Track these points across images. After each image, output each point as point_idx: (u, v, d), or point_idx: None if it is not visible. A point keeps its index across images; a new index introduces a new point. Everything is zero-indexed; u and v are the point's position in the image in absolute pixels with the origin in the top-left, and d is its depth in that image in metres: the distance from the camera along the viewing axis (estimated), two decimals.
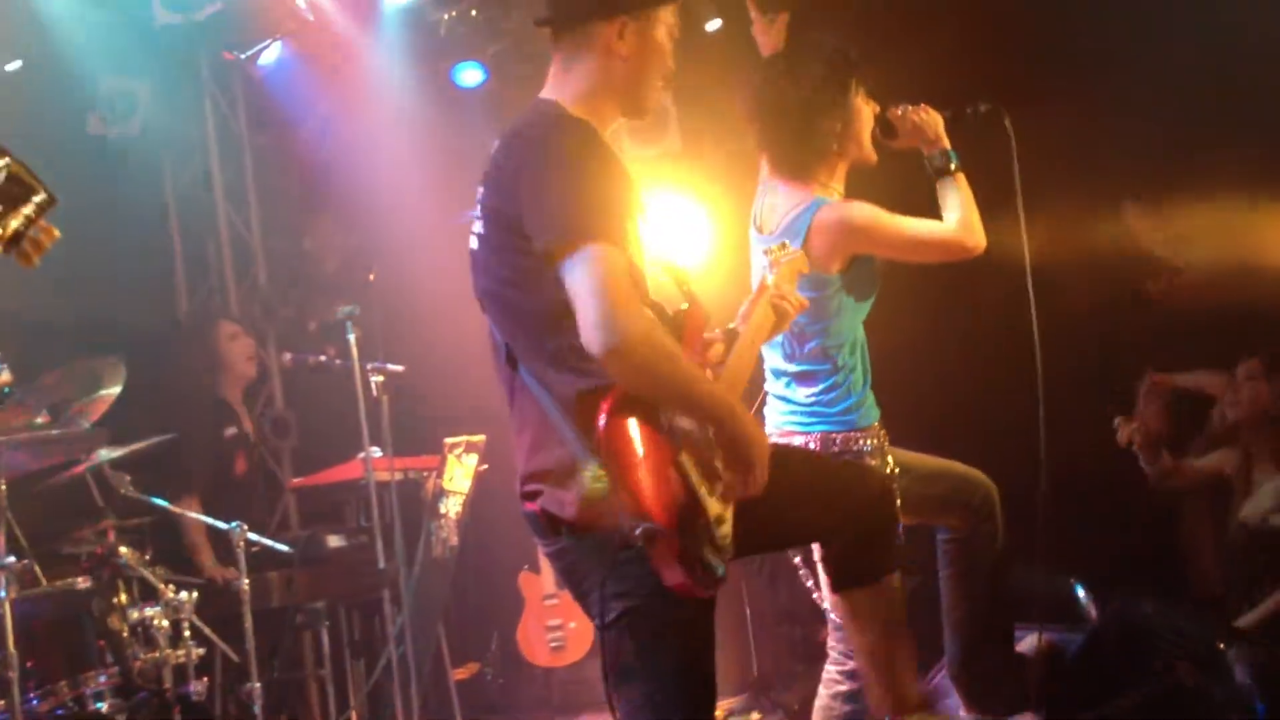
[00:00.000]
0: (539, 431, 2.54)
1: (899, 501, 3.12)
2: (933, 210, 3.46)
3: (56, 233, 2.50)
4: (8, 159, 2.43)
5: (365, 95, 6.97)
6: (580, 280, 2.37)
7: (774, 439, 3.31)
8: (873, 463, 3.33)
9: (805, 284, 3.33)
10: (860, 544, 2.93)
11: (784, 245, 3.15)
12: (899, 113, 3.45)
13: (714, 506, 2.54)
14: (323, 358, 5.78)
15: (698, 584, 2.42)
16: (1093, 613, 4.50)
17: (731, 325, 2.98)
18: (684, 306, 2.73)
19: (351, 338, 5.35)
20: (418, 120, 6.91)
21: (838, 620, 3.40)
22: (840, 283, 3.35)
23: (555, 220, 2.41)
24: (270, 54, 6.84)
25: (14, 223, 2.43)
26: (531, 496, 2.56)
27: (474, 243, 2.62)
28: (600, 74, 2.64)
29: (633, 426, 2.42)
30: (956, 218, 3.36)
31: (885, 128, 3.46)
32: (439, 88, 7.00)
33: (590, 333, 2.35)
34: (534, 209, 2.44)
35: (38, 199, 2.44)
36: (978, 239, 3.36)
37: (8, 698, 3.69)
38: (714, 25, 6.10)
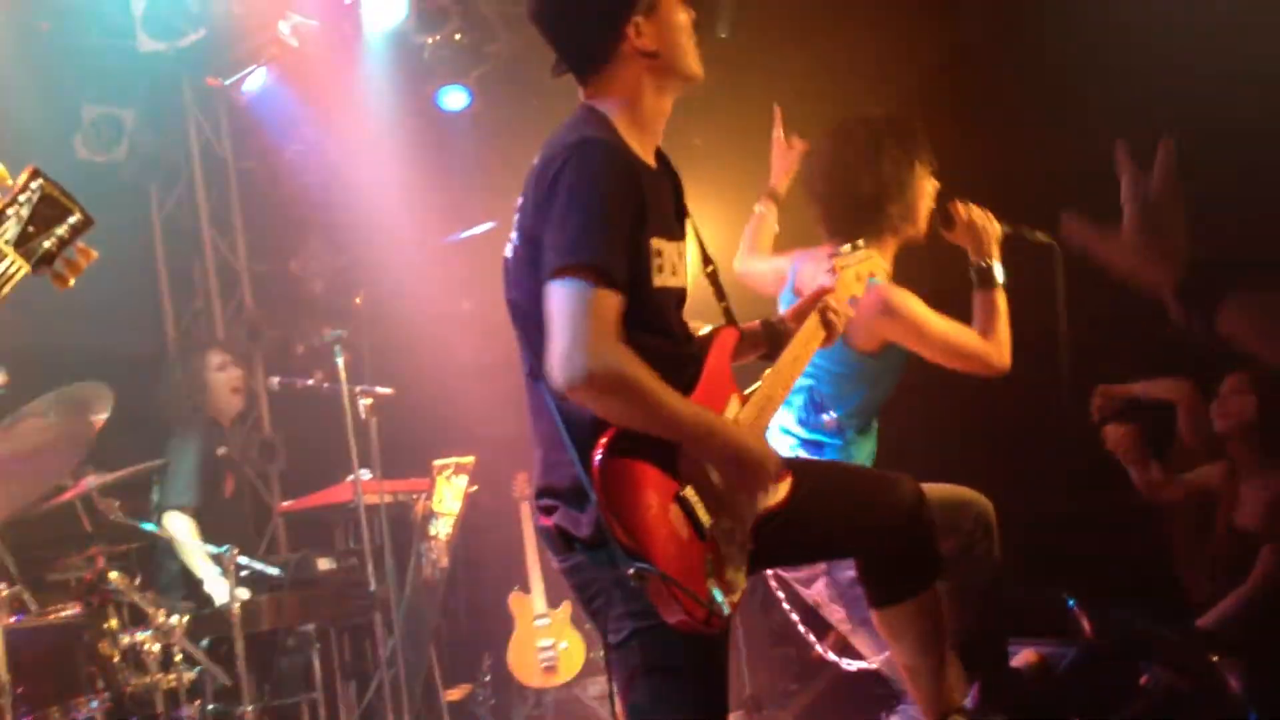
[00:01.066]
0: (550, 449, 2.54)
1: None
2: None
3: (94, 254, 2.50)
4: (41, 180, 2.43)
5: (350, 119, 6.98)
6: (550, 310, 2.38)
7: None
8: None
9: (836, 359, 3.37)
10: (898, 557, 2.89)
11: (854, 246, 3.10)
12: (963, 211, 3.41)
13: (723, 541, 2.52)
14: (310, 381, 5.76)
15: (699, 623, 2.41)
16: (1085, 626, 4.50)
17: (772, 320, 2.94)
18: (708, 331, 2.73)
19: (339, 361, 5.34)
20: (403, 144, 6.93)
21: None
22: (871, 363, 3.37)
23: (550, 245, 2.41)
24: (255, 80, 6.85)
25: (46, 243, 2.43)
26: (547, 511, 2.56)
27: (508, 251, 2.62)
28: (637, 74, 2.62)
29: (631, 460, 2.42)
30: (990, 335, 3.34)
31: (945, 218, 3.43)
32: (424, 111, 7.02)
33: (552, 365, 2.36)
34: (546, 230, 2.44)
35: (72, 220, 2.45)
36: (1005, 360, 3.35)
37: None
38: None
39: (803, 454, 3.42)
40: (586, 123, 2.59)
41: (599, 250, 2.39)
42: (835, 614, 3.50)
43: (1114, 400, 4.84)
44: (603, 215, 2.42)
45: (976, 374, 3.39)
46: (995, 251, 3.40)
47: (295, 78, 6.83)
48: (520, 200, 2.59)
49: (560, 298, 2.37)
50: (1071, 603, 4.55)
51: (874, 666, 3.43)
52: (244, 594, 4.77)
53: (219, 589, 5.08)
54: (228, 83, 6.90)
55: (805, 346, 2.88)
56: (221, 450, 5.73)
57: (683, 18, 2.67)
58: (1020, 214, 3.47)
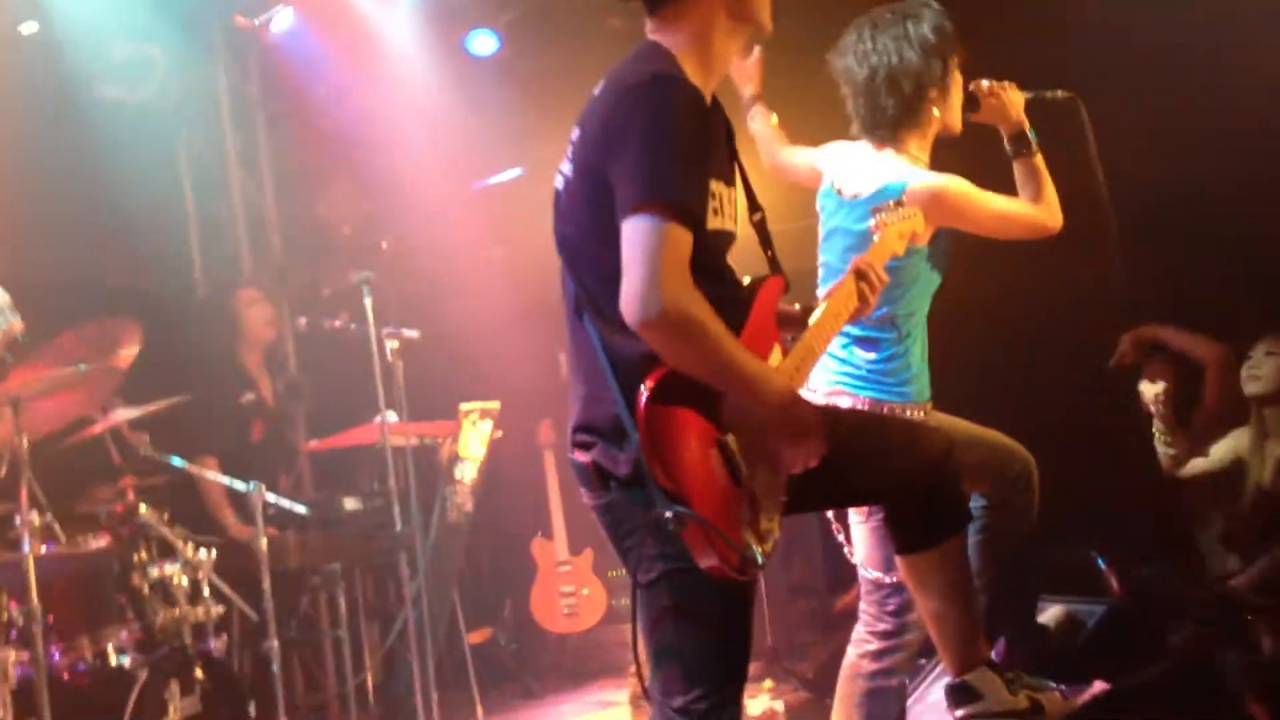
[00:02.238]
0: (593, 385, 2.52)
1: None
2: (1000, 183, 3.44)
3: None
4: None
5: (378, 62, 6.95)
6: (629, 245, 2.36)
7: (819, 396, 3.28)
8: None
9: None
10: (924, 506, 2.86)
11: (898, 203, 3.07)
12: (985, 88, 3.42)
13: (761, 490, 2.51)
14: (337, 323, 5.77)
15: (732, 570, 2.40)
16: (1114, 585, 4.49)
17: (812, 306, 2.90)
18: (755, 278, 2.70)
19: (367, 303, 5.33)
20: (431, 87, 6.89)
21: (872, 580, 3.38)
22: (923, 254, 3.32)
23: (627, 181, 2.39)
24: (283, 20, 6.81)
25: None
26: (584, 447, 2.53)
27: (559, 183, 2.58)
28: (713, 9, 2.58)
29: (676, 403, 2.40)
30: (1040, 199, 3.36)
31: (970, 101, 3.42)
32: (452, 55, 6.98)
33: (627, 301, 2.35)
34: (616, 167, 2.41)
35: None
36: (1057, 218, 3.36)
37: (31, 651, 3.69)
38: None
39: (857, 350, 3.35)
40: (655, 58, 2.55)
41: (679, 188, 2.38)
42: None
43: (1142, 345, 4.79)
44: (681, 153, 2.39)
45: (1034, 237, 3.38)
46: (1023, 118, 3.41)
47: (323, 19, 6.80)
48: (577, 131, 2.55)
49: (639, 233, 2.35)
50: (1101, 561, 4.55)
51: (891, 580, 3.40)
52: None
53: (243, 531, 5.13)
54: (257, 22, 6.87)
55: (845, 304, 2.86)
56: (249, 397, 5.74)
57: None
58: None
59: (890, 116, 3.34)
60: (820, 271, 3.49)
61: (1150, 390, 4.48)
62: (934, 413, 3.43)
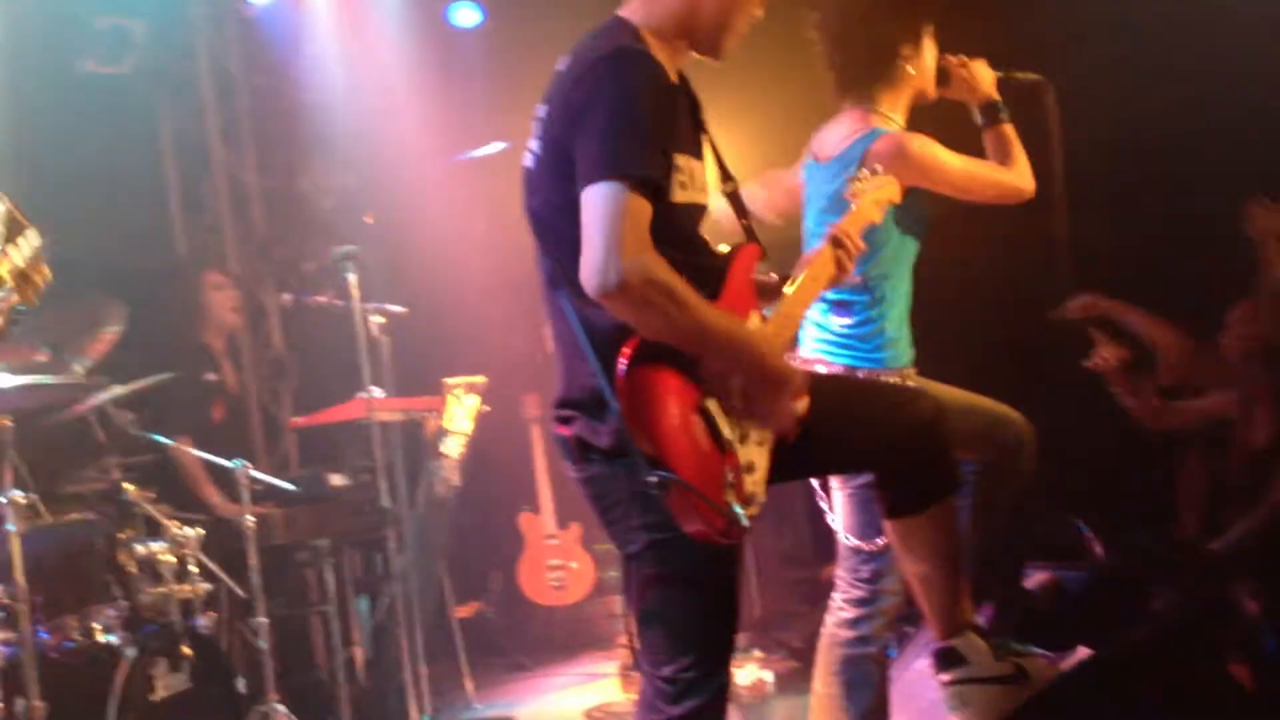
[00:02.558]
0: (571, 359, 2.53)
1: None
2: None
3: (50, 274, 2.48)
4: (3, 200, 2.41)
5: (361, 34, 6.91)
6: (587, 216, 2.36)
7: (801, 364, 3.29)
8: None
9: None
10: (914, 470, 2.86)
11: (874, 172, 3.08)
12: (955, 60, 3.45)
13: (745, 453, 2.52)
14: (321, 298, 5.74)
15: (717, 533, 2.41)
16: (1097, 550, 4.52)
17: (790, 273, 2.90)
18: (731, 246, 2.70)
19: (351, 278, 5.31)
20: (413, 61, 6.87)
21: (849, 547, 3.40)
22: (891, 215, 3.29)
23: (587, 154, 2.40)
24: None
25: (18, 259, 2.41)
26: (566, 421, 2.55)
27: (528, 159, 2.59)
28: (686, 3, 2.60)
29: (655, 370, 2.41)
30: (1009, 162, 3.38)
31: (941, 74, 3.46)
32: (435, 28, 6.94)
33: (586, 272, 2.35)
34: (579, 140, 2.42)
35: (33, 239, 2.43)
36: (1028, 182, 3.39)
37: (17, 630, 3.69)
38: None
39: (832, 316, 3.37)
40: (618, 33, 2.56)
41: (639, 160, 2.38)
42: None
43: (1093, 312, 4.79)
44: (641, 126, 2.40)
45: (1005, 201, 3.41)
46: (993, 92, 3.45)
47: None
48: (544, 108, 2.56)
49: (597, 203, 2.35)
50: (1083, 527, 4.58)
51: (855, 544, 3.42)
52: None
53: (229, 509, 5.12)
54: None
55: (823, 271, 2.86)
56: (211, 376, 5.65)
57: None
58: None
59: (862, 73, 3.38)
60: (804, 239, 3.50)
61: (1101, 360, 4.55)
62: (927, 381, 3.44)
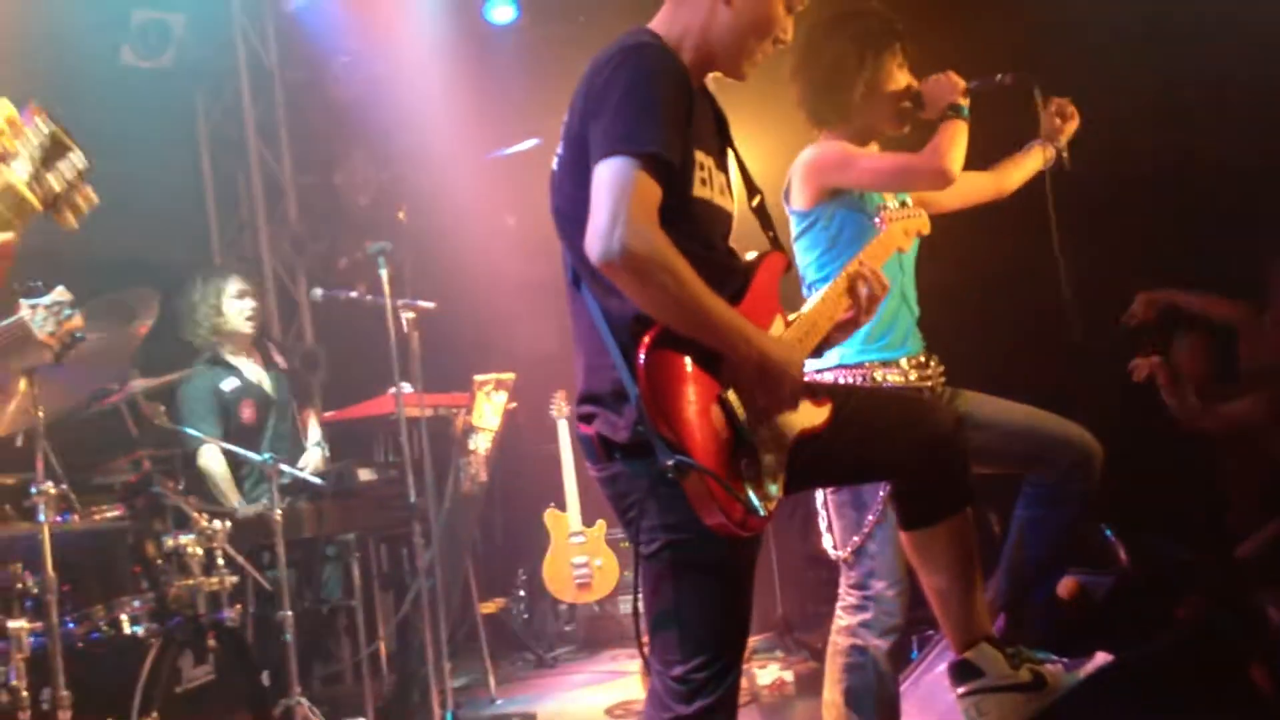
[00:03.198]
0: (592, 354, 2.54)
1: (976, 453, 3.08)
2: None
3: (95, 198, 2.50)
4: (49, 120, 2.42)
5: (397, 31, 6.94)
6: (595, 188, 2.39)
7: (817, 375, 3.31)
8: None
9: (794, 225, 3.46)
10: (929, 481, 2.86)
11: (903, 204, 3.17)
12: (923, 83, 3.46)
13: (764, 445, 2.53)
14: (353, 294, 5.77)
15: (736, 525, 2.41)
16: (1122, 556, 4.49)
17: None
18: (758, 254, 2.72)
19: (383, 274, 5.34)
20: (449, 57, 6.89)
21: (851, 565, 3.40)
22: (816, 217, 3.40)
23: (600, 135, 2.42)
24: None
25: (56, 184, 2.43)
26: (587, 419, 2.56)
27: (554, 163, 2.62)
28: (705, 16, 2.63)
29: (676, 356, 2.42)
30: (932, 146, 3.34)
31: (915, 98, 3.47)
32: (471, 24, 6.96)
33: (590, 240, 2.37)
34: (594, 122, 2.45)
35: (78, 162, 2.44)
36: (947, 164, 3.31)
37: (45, 620, 3.73)
38: None
39: None
40: (637, 34, 2.61)
41: (651, 140, 2.40)
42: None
43: (1155, 306, 4.76)
44: (656, 110, 2.43)
45: (931, 187, 3.42)
46: (959, 97, 3.41)
47: None
48: (567, 115, 2.58)
49: (607, 176, 2.38)
50: (1109, 532, 4.54)
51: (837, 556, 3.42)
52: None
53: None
54: None
55: (830, 305, 2.88)
56: (229, 384, 5.56)
57: (779, 9, 2.67)
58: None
59: (814, 107, 3.49)
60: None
61: (1142, 366, 4.53)
62: (981, 397, 3.46)
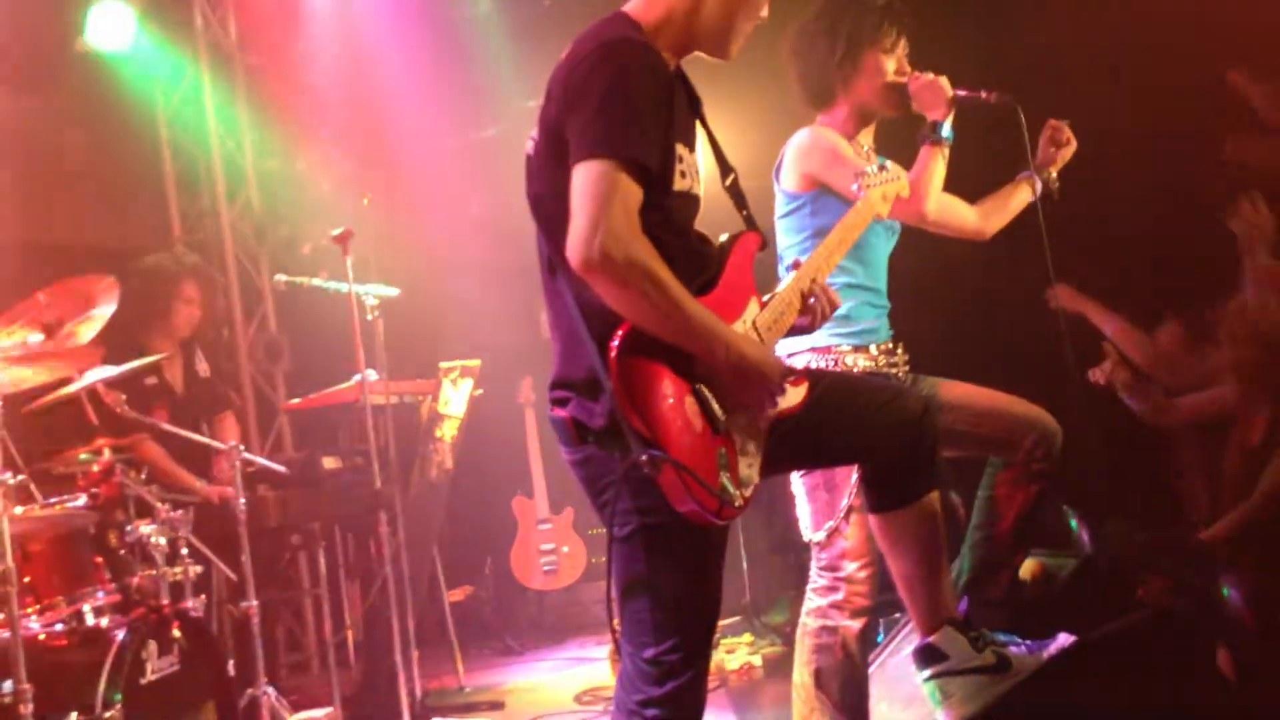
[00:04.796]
0: (568, 341, 2.55)
1: (944, 434, 3.10)
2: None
3: None
4: None
5: (360, 15, 6.89)
6: (576, 191, 2.39)
7: (789, 358, 3.33)
8: None
9: (780, 207, 3.51)
10: (899, 465, 2.89)
11: (882, 167, 3.19)
12: (911, 77, 3.48)
13: (739, 435, 2.55)
14: (317, 281, 5.72)
15: (710, 514, 2.43)
16: (1085, 540, 4.53)
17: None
18: (730, 234, 2.73)
19: (347, 261, 5.30)
20: (413, 44, 6.84)
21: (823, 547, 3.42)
22: (804, 202, 3.44)
23: (581, 134, 2.42)
24: None
25: None
26: (561, 403, 2.56)
27: (529, 147, 2.62)
28: (690, 5, 2.63)
29: (648, 352, 2.43)
30: (912, 184, 3.33)
31: (902, 92, 3.49)
32: (435, 8, 6.92)
33: (571, 244, 2.38)
34: (574, 122, 2.45)
35: None
36: (925, 207, 3.39)
37: (6, 612, 3.68)
38: None
39: None
40: (618, 24, 2.60)
41: (634, 143, 2.41)
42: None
43: (1073, 304, 4.81)
44: (636, 111, 2.43)
45: (901, 219, 3.48)
46: (944, 108, 3.44)
47: None
48: (544, 98, 2.58)
49: (587, 179, 2.38)
50: (1072, 515, 4.58)
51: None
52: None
53: (211, 491, 5.12)
54: None
55: (822, 260, 2.95)
56: (150, 380, 5.42)
57: None
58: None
59: (804, 87, 3.55)
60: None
61: (1097, 374, 4.60)
62: (948, 381, 3.50)
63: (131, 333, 5.35)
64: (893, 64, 3.50)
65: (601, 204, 2.35)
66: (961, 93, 3.45)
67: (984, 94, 3.47)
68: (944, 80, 3.45)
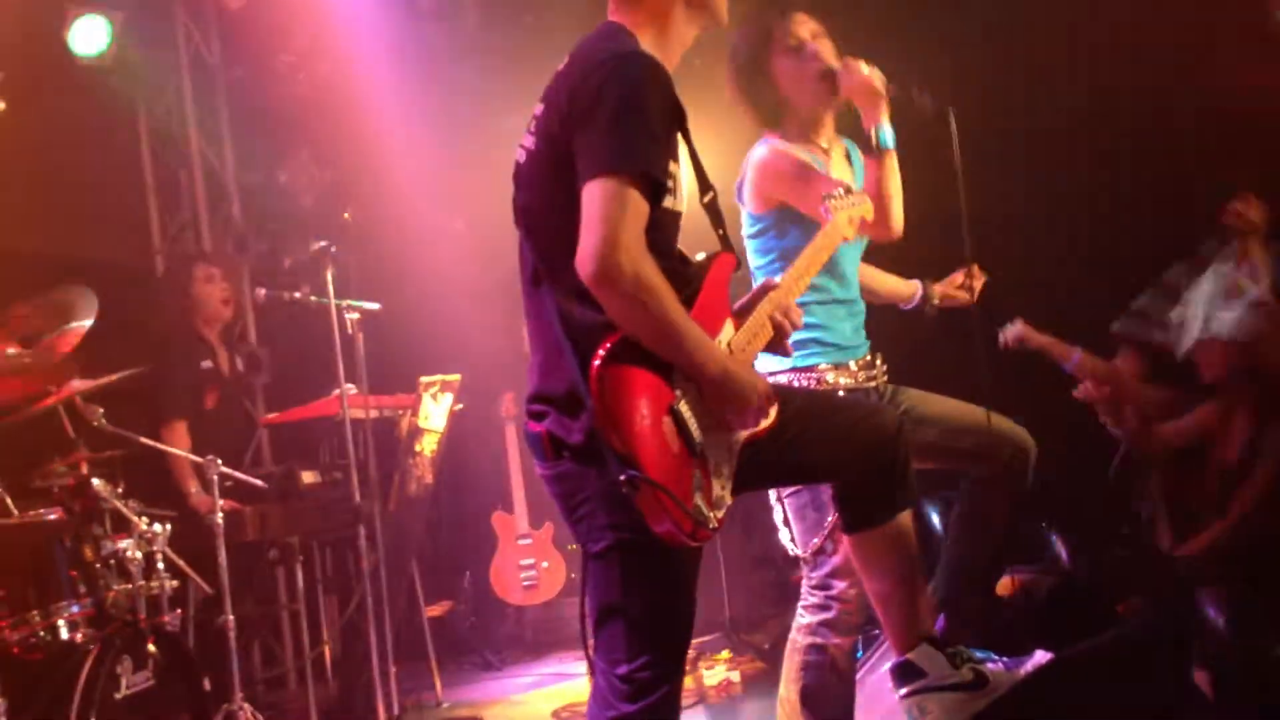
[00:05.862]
0: (549, 355, 2.55)
1: (921, 449, 3.11)
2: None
3: None
4: None
5: (341, 29, 6.88)
6: (590, 207, 2.41)
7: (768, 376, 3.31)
8: None
9: (747, 226, 3.50)
10: (872, 484, 2.90)
11: (848, 189, 3.18)
12: (848, 66, 3.40)
13: (714, 457, 2.56)
14: (297, 294, 5.72)
15: (685, 534, 2.43)
16: (1064, 557, 4.54)
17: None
18: (707, 255, 2.74)
19: (328, 274, 5.29)
20: (395, 55, 6.84)
21: (799, 557, 3.41)
22: (768, 224, 3.44)
23: (594, 149, 2.44)
24: None
25: None
26: (538, 417, 2.57)
27: (521, 156, 2.63)
28: (667, 10, 2.67)
29: (629, 369, 2.44)
30: (875, 200, 3.32)
31: (829, 76, 3.43)
32: (418, 23, 6.92)
33: (583, 258, 2.40)
34: (583, 137, 2.46)
35: None
36: (892, 221, 3.37)
37: None
38: None
39: None
40: (621, 36, 2.62)
41: (644, 159, 2.44)
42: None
43: (1029, 342, 4.83)
44: (649, 127, 2.46)
45: (870, 236, 3.46)
46: (880, 107, 3.39)
47: None
48: (541, 107, 2.59)
49: (602, 196, 2.40)
50: (1052, 533, 4.60)
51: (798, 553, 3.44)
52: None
53: (203, 502, 5.10)
54: None
55: (799, 282, 2.96)
56: (206, 364, 5.72)
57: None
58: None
59: (749, 110, 3.53)
60: None
61: (1085, 391, 4.62)
62: (928, 395, 3.50)
63: (186, 326, 5.73)
64: (802, 57, 3.44)
65: (618, 219, 2.38)
66: (892, 89, 3.39)
67: (915, 93, 3.42)
68: (877, 74, 3.37)
